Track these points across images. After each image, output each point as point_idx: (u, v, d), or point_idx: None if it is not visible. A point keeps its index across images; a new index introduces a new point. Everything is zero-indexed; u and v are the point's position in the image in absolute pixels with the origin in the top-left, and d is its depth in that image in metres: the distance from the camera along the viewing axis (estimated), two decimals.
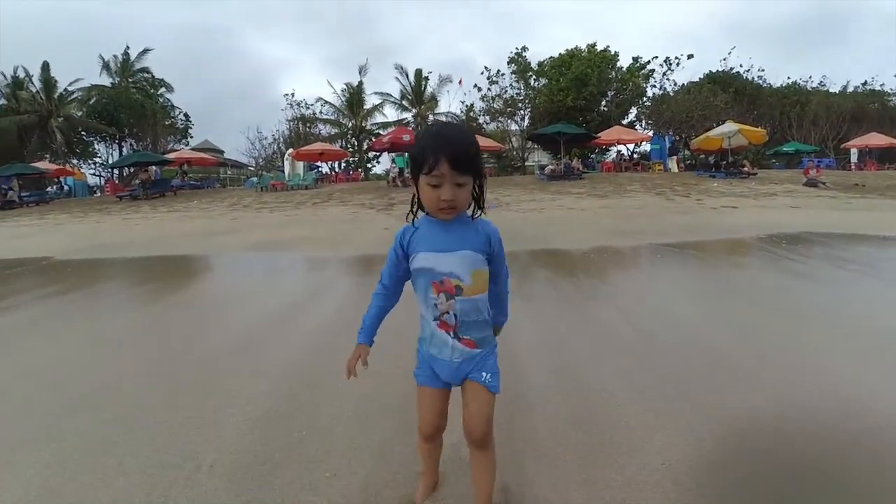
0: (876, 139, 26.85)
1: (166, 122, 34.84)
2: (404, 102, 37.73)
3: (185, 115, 37.63)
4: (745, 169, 19.92)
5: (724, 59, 33.65)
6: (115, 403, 2.46)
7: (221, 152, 43.20)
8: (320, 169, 32.71)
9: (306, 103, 35.90)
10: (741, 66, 32.96)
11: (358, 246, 7.81)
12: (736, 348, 2.98)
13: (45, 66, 30.59)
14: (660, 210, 11.60)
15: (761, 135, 21.19)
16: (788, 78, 34.52)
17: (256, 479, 1.80)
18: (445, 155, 1.24)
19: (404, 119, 37.70)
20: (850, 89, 34.42)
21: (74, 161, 31.96)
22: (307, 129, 35.44)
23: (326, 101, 35.98)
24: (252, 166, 38.79)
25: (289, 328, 3.70)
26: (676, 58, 29.04)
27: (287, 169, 27.43)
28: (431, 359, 1.44)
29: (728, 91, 28.10)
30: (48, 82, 30.72)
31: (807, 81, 34.17)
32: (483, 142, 27.29)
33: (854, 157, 28.11)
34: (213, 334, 3.68)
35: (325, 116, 36.47)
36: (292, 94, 36.18)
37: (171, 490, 1.74)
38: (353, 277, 5.86)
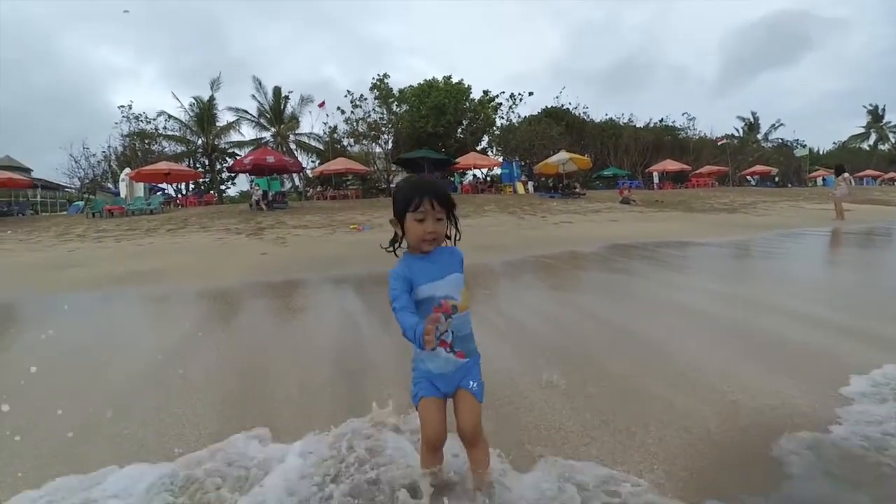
0: (671, 165, 34.16)
1: None
2: (262, 121, 36.12)
3: None
4: (577, 190, 23.73)
5: (557, 97, 39.52)
6: None
7: (28, 171, 36.30)
8: (165, 191, 29.59)
9: (146, 117, 32.25)
10: (570, 103, 38.92)
11: (242, 273, 7.59)
12: (596, 324, 4.01)
13: None
14: (515, 227, 13.32)
15: (587, 162, 25.55)
16: (606, 114, 41.57)
17: None
18: (428, 195, 1.52)
19: (263, 138, 36.05)
20: (651, 125, 42.59)
21: None
22: (147, 146, 31.78)
23: (171, 116, 32.73)
24: (73, 188, 33.36)
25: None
26: (520, 94, 33.27)
27: (123, 191, 24.39)
28: (430, 374, 1.62)
29: (561, 124, 32.89)
30: None
31: (619, 118, 41.45)
32: (348, 164, 27.56)
33: (656, 179, 34.96)
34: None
35: (169, 133, 33.12)
36: (129, 107, 32.01)
37: None
38: (262, 306, 5.54)
